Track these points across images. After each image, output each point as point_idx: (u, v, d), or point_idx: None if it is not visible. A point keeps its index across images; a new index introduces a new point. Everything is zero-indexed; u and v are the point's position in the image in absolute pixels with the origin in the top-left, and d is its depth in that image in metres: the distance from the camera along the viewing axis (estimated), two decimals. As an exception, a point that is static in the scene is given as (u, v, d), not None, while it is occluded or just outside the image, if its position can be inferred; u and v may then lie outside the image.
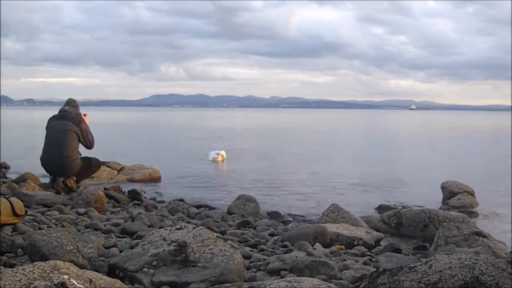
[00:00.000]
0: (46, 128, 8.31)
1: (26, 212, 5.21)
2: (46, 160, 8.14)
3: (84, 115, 8.54)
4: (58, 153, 8.02)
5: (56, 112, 8.47)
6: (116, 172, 10.64)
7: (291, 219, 7.35)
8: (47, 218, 5.49)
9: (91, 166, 8.55)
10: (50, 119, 8.35)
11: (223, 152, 15.21)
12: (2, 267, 3.09)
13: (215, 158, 14.96)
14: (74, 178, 8.22)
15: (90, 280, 2.73)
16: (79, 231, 4.75)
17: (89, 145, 8.36)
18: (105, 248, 4.38)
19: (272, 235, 5.69)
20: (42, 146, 8.39)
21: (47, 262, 2.90)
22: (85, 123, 8.39)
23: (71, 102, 8.53)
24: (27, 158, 13.50)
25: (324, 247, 4.86)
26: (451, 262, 2.84)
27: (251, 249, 4.87)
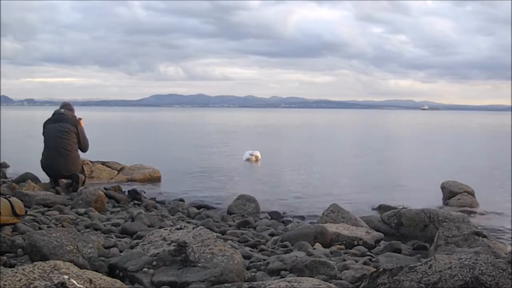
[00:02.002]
0: (44, 132, 8.28)
1: (26, 212, 5.21)
2: (48, 163, 8.12)
3: (79, 119, 8.52)
4: (59, 154, 8.00)
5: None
6: (116, 172, 10.64)
7: (291, 219, 7.36)
8: (47, 218, 5.48)
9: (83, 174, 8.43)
10: (46, 123, 8.31)
11: (257, 153, 15.21)
12: (2, 267, 3.08)
13: (249, 158, 15.02)
14: (84, 178, 8.19)
15: (90, 280, 2.73)
16: (79, 231, 4.75)
17: (84, 148, 8.32)
18: (105, 248, 4.37)
19: (272, 235, 5.69)
20: (42, 146, 8.38)
21: (47, 262, 2.90)
22: (81, 126, 8.37)
23: (66, 105, 8.54)
24: (27, 158, 13.48)
25: (324, 247, 4.86)
26: (451, 262, 2.84)
27: (251, 249, 4.87)
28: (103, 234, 4.98)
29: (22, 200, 5.25)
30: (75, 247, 3.58)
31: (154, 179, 10.79)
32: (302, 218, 7.50)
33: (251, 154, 15.11)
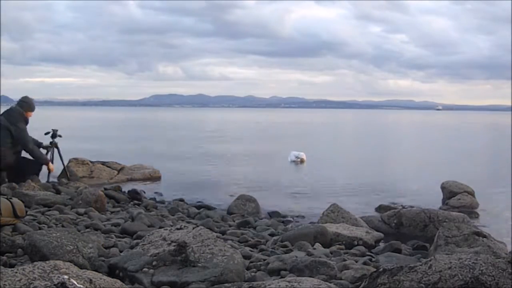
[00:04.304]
0: None
1: (26, 212, 5.21)
2: None
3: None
4: None
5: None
6: (116, 172, 10.64)
7: (291, 219, 7.36)
8: (47, 218, 5.48)
9: (29, 166, 8.18)
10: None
11: (303, 155, 15.06)
12: (2, 267, 3.08)
13: (295, 160, 14.89)
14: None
15: (90, 280, 2.74)
16: (79, 231, 4.74)
17: (23, 144, 8.14)
18: (105, 248, 4.37)
19: (272, 235, 5.69)
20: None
21: (47, 262, 2.90)
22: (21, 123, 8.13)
23: (19, 101, 8.42)
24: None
25: (324, 247, 4.86)
26: (451, 262, 2.84)
27: (251, 249, 4.87)
28: (103, 234, 4.97)
29: (22, 201, 5.25)
30: (75, 247, 3.58)
31: (154, 179, 10.80)
32: (302, 218, 7.50)
33: (297, 157, 14.93)
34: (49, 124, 9.08)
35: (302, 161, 14.88)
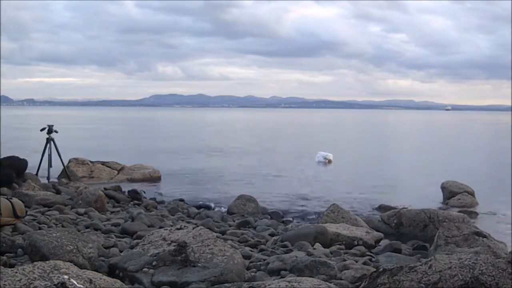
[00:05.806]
0: None
1: (26, 212, 5.21)
2: None
3: None
4: None
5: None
6: (116, 172, 10.64)
7: (291, 219, 7.36)
8: (47, 218, 5.48)
9: None
10: None
11: (331, 156, 14.87)
12: (2, 267, 3.08)
13: (322, 161, 14.72)
14: None
15: (90, 280, 2.73)
16: (79, 231, 4.74)
17: None
18: (105, 248, 4.37)
19: (272, 235, 5.68)
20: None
21: (47, 262, 2.89)
22: None
23: None
24: (26, 158, 13.41)
25: (324, 247, 4.85)
26: (451, 262, 2.83)
27: (251, 249, 4.87)
28: (103, 234, 4.97)
29: (22, 201, 5.25)
30: (75, 247, 3.58)
31: (154, 179, 10.80)
32: (302, 218, 7.50)
33: (325, 158, 14.70)
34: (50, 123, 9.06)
35: (329, 161, 14.66)
